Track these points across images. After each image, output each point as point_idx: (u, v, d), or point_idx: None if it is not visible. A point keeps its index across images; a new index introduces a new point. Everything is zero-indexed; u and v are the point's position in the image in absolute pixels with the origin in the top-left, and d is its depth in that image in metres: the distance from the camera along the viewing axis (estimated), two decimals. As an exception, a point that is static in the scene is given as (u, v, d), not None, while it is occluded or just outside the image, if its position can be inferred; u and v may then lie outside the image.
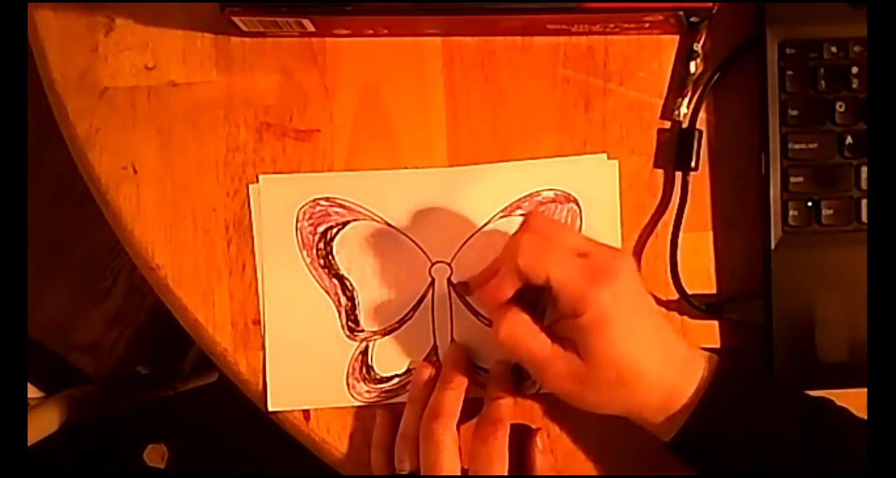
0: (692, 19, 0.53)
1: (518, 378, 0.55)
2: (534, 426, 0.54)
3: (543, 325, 0.49)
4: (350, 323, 0.55)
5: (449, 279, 0.55)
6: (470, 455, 0.51)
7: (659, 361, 0.47)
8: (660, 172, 0.56)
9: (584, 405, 0.48)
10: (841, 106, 0.53)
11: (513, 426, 0.53)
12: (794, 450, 0.46)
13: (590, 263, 0.46)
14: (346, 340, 0.55)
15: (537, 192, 0.55)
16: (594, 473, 0.55)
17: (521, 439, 0.53)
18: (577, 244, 0.48)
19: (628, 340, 0.46)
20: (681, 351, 0.49)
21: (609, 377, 0.46)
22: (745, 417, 0.47)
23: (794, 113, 0.53)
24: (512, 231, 0.54)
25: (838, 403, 0.49)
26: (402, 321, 0.55)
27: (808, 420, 0.47)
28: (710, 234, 0.56)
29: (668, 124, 0.56)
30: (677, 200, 0.55)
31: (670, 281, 0.55)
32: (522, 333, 0.48)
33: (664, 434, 0.48)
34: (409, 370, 0.55)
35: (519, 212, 0.55)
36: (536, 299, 0.50)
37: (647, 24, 0.53)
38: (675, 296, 0.55)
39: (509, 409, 0.52)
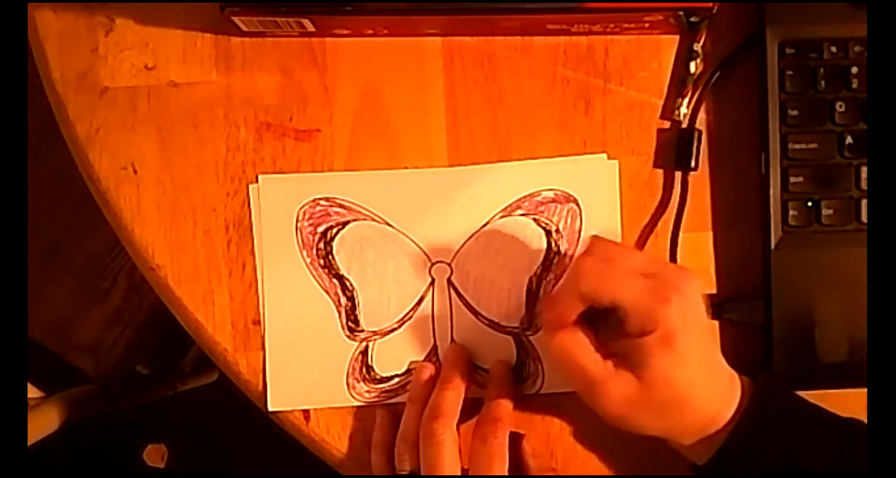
0: (692, 19, 0.53)
1: (518, 378, 0.55)
2: (521, 432, 0.54)
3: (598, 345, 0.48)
4: (350, 323, 0.55)
5: (449, 279, 0.55)
6: (470, 455, 0.51)
7: (708, 385, 0.47)
8: (660, 172, 0.56)
9: (630, 427, 0.47)
10: (841, 106, 0.53)
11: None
12: (827, 472, 0.45)
13: (658, 281, 0.45)
14: (346, 340, 0.55)
15: (537, 192, 0.55)
16: (594, 473, 0.55)
17: (511, 444, 0.53)
18: (642, 264, 0.47)
19: (690, 362, 0.45)
20: (725, 375, 0.48)
21: (663, 399, 0.46)
22: (779, 441, 0.46)
23: (794, 113, 0.53)
24: (512, 231, 0.54)
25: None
26: (402, 321, 0.55)
27: (841, 442, 0.46)
28: (710, 234, 0.56)
29: (668, 124, 0.56)
30: (677, 200, 0.55)
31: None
32: (577, 349, 0.47)
33: (698, 458, 0.48)
34: (409, 370, 0.55)
35: (519, 212, 0.55)
36: (596, 322, 0.49)
37: (647, 24, 0.53)
38: (714, 323, 0.55)
39: (509, 409, 0.52)
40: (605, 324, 0.48)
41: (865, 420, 0.47)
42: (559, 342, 0.47)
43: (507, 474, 0.50)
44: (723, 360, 0.48)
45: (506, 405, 0.52)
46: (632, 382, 0.45)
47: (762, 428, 0.46)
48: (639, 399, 0.46)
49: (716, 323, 0.55)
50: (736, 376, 0.49)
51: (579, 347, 0.47)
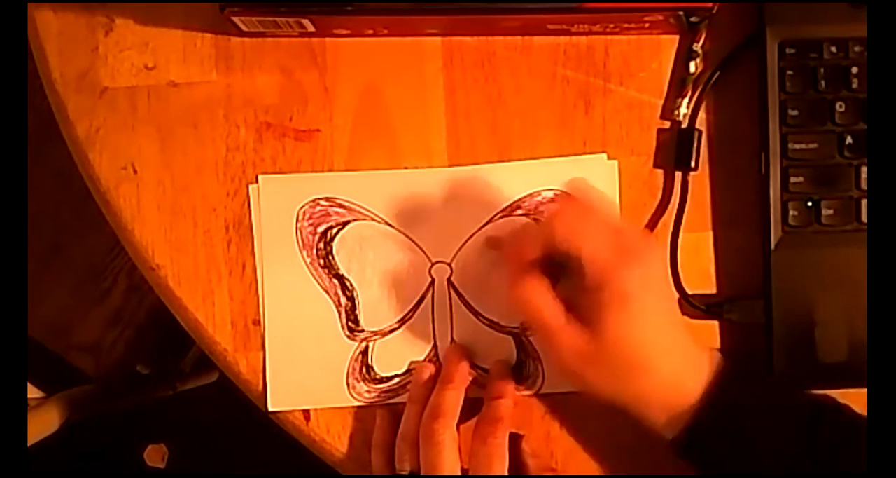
0: (692, 19, 0.53)
1: (518, 378, 0.55)
2: (520, 433, 0.54)
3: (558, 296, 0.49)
4: (350, 323, 0.55)
5: (449, 279, 0.55)
6: (470, 455, 0.51)
7: (669, 354, 0.47)
8: (660, 171, 0.56)
9: (585, 387, 0.48)
10: (841, 106, 0.53)
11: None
12: (796, 449, 0.46)
13: (623, 239, 0.46)
14: (346, 340, 0.55)
15: (537, 192, 0.55)
16: (594, 473, 0.55)
17: (510, 445, 0.53)
18: (614, 222, 0.48)
19: (644, 325, 0.46)
20: (692, 349, 0.48)
21: (616, 360, 0.46)
22: (750, 417, 0.47)
23: (794, 113, 0.53)
24: (512, 231, 0.54)
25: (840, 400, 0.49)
26: (402, 321, 0.55)
27: (811, 420, 0.47)
28: (710, 234, 0.56)
29: (667, 124, 0.56)
30: (677, 200, 0.55)
31: (670, 281, 0.55)
32: (538, 297, 0.48)
33: (666, 431, 0.48)
34: (408, 370, 0.55)
35: (519, 212, 0.55)
36: (556, 272, 0.49)
37: (647, 24, 0.53)
38: (676, 296, 0.55)
39: (509, 408, 0.52)
40: (566, 275, 0.49)
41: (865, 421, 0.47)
42: (520, 284, 0.48)
43: (507, 473, 0.50)
44: (688, 334, 0.49)
45: (506, 405, 0.52)
46: (584, 335, 0.46)
47: (733, 404, 0.47)
48: (590, 354, 0.46)
49: (715, 323, 0.55)
50: (710, 354, 0.49)
51: (538, 291, 0.48)
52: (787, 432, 0.47)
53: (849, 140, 0.53)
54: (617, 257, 0.46)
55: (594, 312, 0.46)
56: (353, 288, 0.55)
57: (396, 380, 0.55)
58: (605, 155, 0.55)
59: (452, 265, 0.55)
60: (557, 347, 0.47)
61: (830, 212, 0.53)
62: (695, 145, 0.55)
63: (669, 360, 0.47)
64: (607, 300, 0.45)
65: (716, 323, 0.55)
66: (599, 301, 0.46)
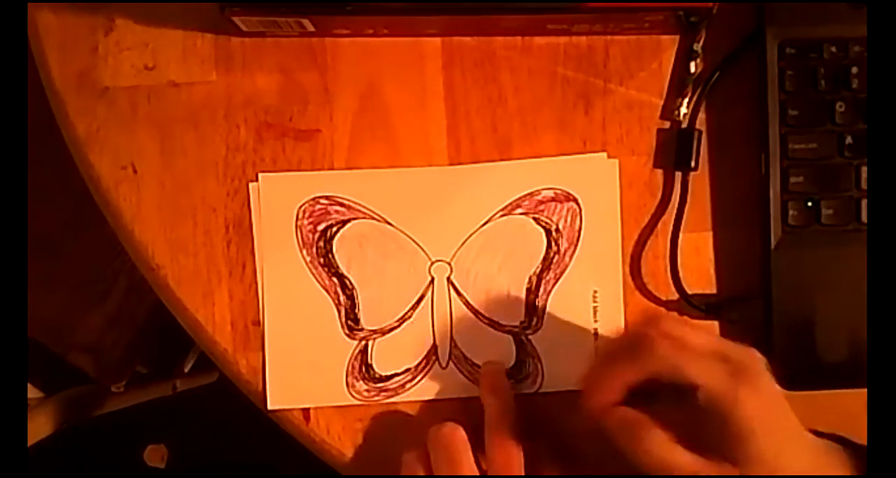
0: (692, 19, 0.53)
1: (518, 377, 0.55)
2: (536, 435, 0.54)
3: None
4: (350, 322, 0.55)
5: (449, 278, 0.55)
6: (487, 461, 0.50)
7: (801, 458, 0.45)
8: (660, 171, 0.56)
9: None
10: (841, 106, 0.53)
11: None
12: None
13: (733, 363, 0.44)
14: (346, 338, 0.55)
15: (537, 190, 0.55)
16: (594, 473, 0.55)
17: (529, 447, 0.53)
18: (713, 344, 0.45)
19: (781, 439, 0.44)
20: (819, 444, 0.47)
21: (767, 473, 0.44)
22: None
23: (794, 113, 0.53)
24: (512, 230, 0.54)
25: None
26: (401, 320, 0.55)
27: None
28: (710, 234, 0.56)
29: (667, 124, 0.56)
30: (677, 200, 0.55)
31: (670, 281, 0.55)
32: (667, 453, 0.44)
33: None
34: (408, 369, 0.55)
35: (519, 211, 0.55)
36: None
37: (647, 24, 0.53)
38: (675, 296, 0.55)
39: (512, 410, 0.52)
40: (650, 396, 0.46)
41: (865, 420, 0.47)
42: (637, 443, 0.44)
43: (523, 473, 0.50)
44: (810, 439, 0.46)
45: (508, 407, 0.52)
46: (728, 468, 0.43)
47: None
48: None
49: (715, 323, 0.55)
50: (825, 443, 0.47)
51: (659, 443, 0.44)
52: None
53: (849, 140, 0.53)
54: (732, 383, 0.43)
55: (730, 443, 0.43)
56: (353, 287, 0.55)
57: (396, 379, 0.55)
58: (605, 154, 0.55)
59: (452, 264, 0.55)
60: None
61: (830, 212, 0.53)
62: (695, 145, 0.55)
63: (802, 465, 0.45)
64: (745, 427, 0.43)
65: (716, 323, 0.55)
66: (730, 433, 0.43)
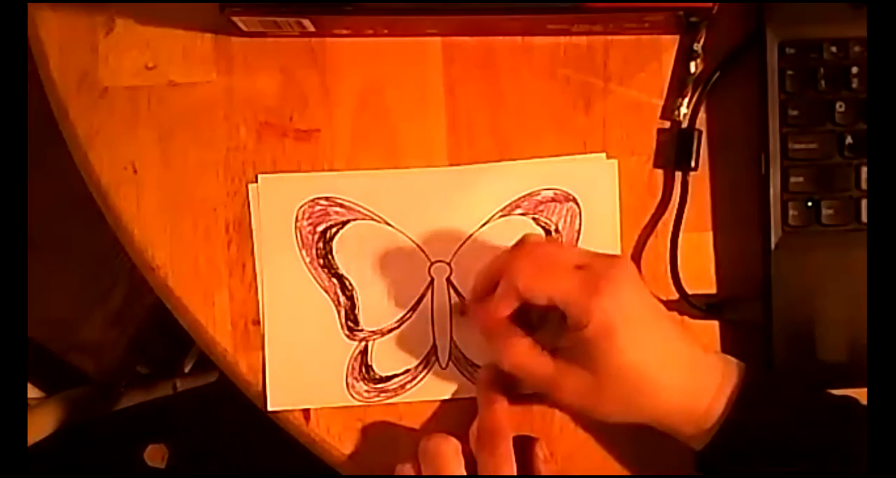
0: (692, 19, 0.53)
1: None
2: (534, 436, 0.54)
3: (536, 338, 0.49)
4: (349, 323, 0.55)
5: (448, 279, 0.55)
6: (478, 468, 0.50)
7: (674, 366, 0.47)
8: (660, 172, 0.56)
9: (604, 417, 0.48)
10: (841, 106, 0.53)
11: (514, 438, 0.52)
12: (825, 449, 0.46)
13: (589, 273, 0.46)
14: (346, 339, 0.55)
15: (537, 191, 0.55)
16: (595, 473, 0.55)
17: (522, 449, 0.53)
18: (574, 258, 0.47)
19: (638, 347, 0.46)
20: (697, 355, 0.48)
21: (621, 387, 0.46)
22: (778, 419, 0.46)
23: (794, 113, 0.53)
24: (511, 230, 0.54)
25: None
26: (401, 321, 0.55)
27: (838, 420, 0.47)
28: (710, 234, 0.56)
29: (668, 124, 0.56)
30: (677, 200, 0.55)
31: (670, 281, 0.55)
32: (524, 358, 0.48)
33: (696, 443, 0.48)
34: (407, 370, 0.55)
35: (518, 211, 0.55)
36: (529, 316, 0.50)
37: (647, 24, 0.53)
38: (675, 296, 0.55)
39: (505, 414, 0.51)
40: (546, 319, 0.49)
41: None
42: (503, 350, 0.48)
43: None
44: (690, 340, 0.48)
45: (501, 411, 0.51)
46: (584, 375, 0.46)
47: (759, 407, 0.46)
48: (595, 391, 0.46)
49: (715, 323, 0.55)
50: (720, 356, 0.49)
51: (527, 352, 0.48)
52: (816, 431, 0.46)
53: (849, 140, 0.53)
54: (586, 291, 0.45)
55: (584, 350, 0.46)
56: (353, 287, 0.55)
57: (396, 380, 0.55)
58: (604, 155, 0.55)
59: (452, 265, 0.55)
60: (560, 395, 0.48)
61: (830, 212, 0.53)
62: (695, 145, 0.55)
63: (675, 371, 0.47)
64: (592, 336, 0.45)
65: (716, 323, 0.55)
66: (585, 339, 0.45)
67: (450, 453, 0.49)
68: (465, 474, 0.50)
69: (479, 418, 0.52)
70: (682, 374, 0.47)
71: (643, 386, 0.46)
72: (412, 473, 0.50)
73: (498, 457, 0.49)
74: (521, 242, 0.49)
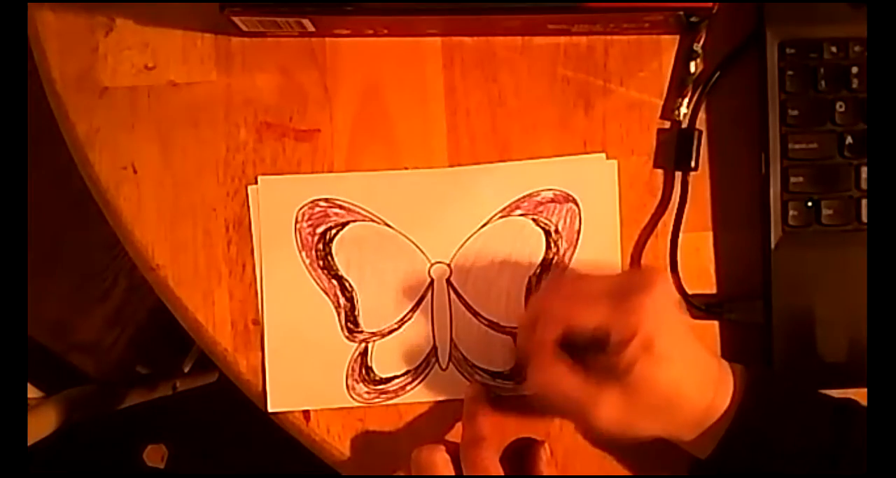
0: (692, 19, 0.53)
1: (517, 378, 0.55)
2: (539, 439, 0.54)
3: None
4: (349, 324, 0.55)
5: (448, 280, 0.55)
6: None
7: (696, 378, 0.47)
8: (660, 172, 0.56)
9: (629, 436, 0.47)
10: (841, 106, 0.53)
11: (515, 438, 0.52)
12: (828, 452, 0.46)
13: (625, 292, 0.46)
14: (346, 341, 0.55)
15: (536, 192, 0.55)
16: (595, 473, 0.55)
17: (525, 451, 0.53)
18: (604, 284, 0.47)
19: (671, 360, 0.45)
20: (713, 365, 0.48)
21: (653, 402, 0.46)
22: (780, 425, 0.46)
23: (794, 113, 0.53)
24: (511, 231, 0.54)
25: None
26: (401, 322, 0.55)
27: (841, 424, 0.46)
28: (710, 234, 0.56)
29: (668, 124, 0.56)
30: (677, 200, 0.55)
31: (670, 281, 0.55)
32: (557, 378, 0.47)
33: (700, 452, 0.48)
34: (407, 371, 0.55)
35: (518, 212, 0.55)
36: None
37: (647, 24, 0.53)
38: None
39: (489, 424, 0.52)
40: (581, 350, 0.48)
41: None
42: (539, 378, 0.48)
43: None
44: (705, 350, 0.48)
45: (484, 422, 0.51)
46: (619, 394, 0.46)
47: (762, 414, 0.46)
48: (630, 408, 0.46)
49: (715, 323, 0.55)
50: (725, 364, 0.49)
51: (558, 374, 0.47)
52: (818, 434, 0.46)
53: (849, 140, 0.53)
54: (626, 310, 0.45)
55: (622, 367, 0.45)
56: (353, 289, 0.55)
57: (396, 381, 0.55)
58: (604, 155, 0.55)
59: (452, 266, 0.55)
60: (597, 416, 0.46)
61: (830, 212, 0.53)
62: (695, 145, 0.55)
63: (698, 385, 0.47)
64: (633, 351, 0.45)
65: (716, 323, 0.55)
66: (625, 355, 0.45)
67: (440, 462, 0.49)
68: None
69: (462, 428, 0.52)
70: (704, 387, 0.47)
71: (674, 399, 0.46)
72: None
73: (480, 465, 0.49)
74: (549, 284, 0.50)
